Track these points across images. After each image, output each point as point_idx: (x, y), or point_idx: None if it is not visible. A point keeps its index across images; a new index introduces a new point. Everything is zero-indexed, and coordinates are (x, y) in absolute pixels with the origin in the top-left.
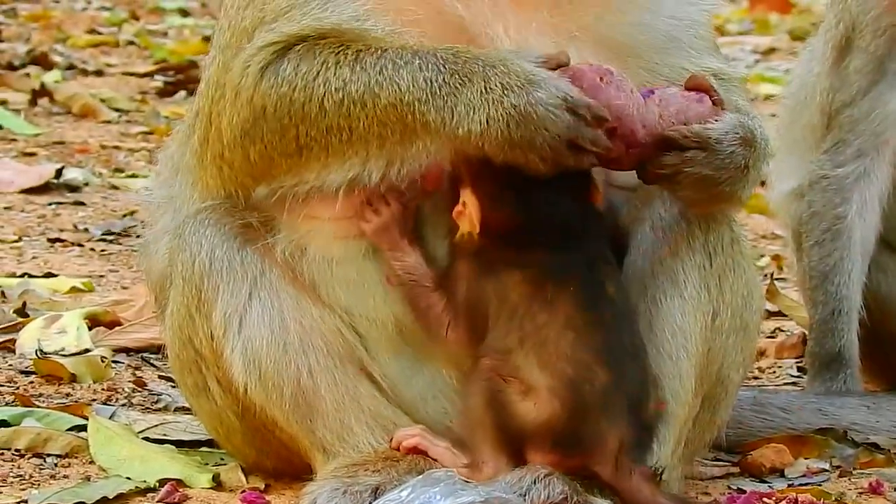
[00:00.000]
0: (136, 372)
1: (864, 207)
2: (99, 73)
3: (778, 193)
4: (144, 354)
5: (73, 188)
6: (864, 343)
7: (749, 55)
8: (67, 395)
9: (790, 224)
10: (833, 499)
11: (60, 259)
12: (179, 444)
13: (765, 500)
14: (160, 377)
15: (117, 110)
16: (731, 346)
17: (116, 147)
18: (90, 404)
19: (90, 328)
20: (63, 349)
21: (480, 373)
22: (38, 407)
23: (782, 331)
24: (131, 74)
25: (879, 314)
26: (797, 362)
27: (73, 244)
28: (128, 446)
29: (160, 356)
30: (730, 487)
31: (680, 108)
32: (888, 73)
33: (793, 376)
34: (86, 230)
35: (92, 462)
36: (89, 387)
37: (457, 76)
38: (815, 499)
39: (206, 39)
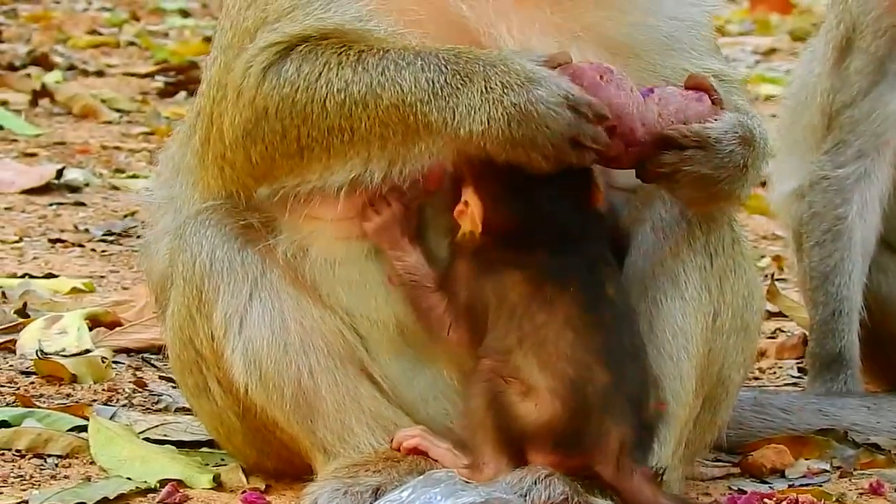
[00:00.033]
0: (137, 372)
1: (864, 208)
2: (100, 74)
3: (778, 194)
4: (145, 355)
5: (74, 189)
6: (864, 344)
7: (750, 56)
8: (68, 395)
9: (791, 225)
10: (833, 499)
11: (61, 259)
12: (180, 444)
13: (765, 500)
14: (161, 378)
15: (118, 111)
16: (731, 347)
17: (117, 148)
18: (91, 405)
19: (91, 329)
20: (64, 350)
21: (481, 374)
22: (39, 407)
23: (783, 331)
24: (132, 75)
25: (880, 315)
26: (798, 363)
27: (73, 245)
28: (128, 447)
29: (161, 357)
30: (730, 488)
31: (679, 106)
32: (889, 74)
33: (793, 377)
34: (86, 231)
35: (92, 462)
36: (90, 387)
37: (458, 76)
38: (815, 499)
39: (207, 40)
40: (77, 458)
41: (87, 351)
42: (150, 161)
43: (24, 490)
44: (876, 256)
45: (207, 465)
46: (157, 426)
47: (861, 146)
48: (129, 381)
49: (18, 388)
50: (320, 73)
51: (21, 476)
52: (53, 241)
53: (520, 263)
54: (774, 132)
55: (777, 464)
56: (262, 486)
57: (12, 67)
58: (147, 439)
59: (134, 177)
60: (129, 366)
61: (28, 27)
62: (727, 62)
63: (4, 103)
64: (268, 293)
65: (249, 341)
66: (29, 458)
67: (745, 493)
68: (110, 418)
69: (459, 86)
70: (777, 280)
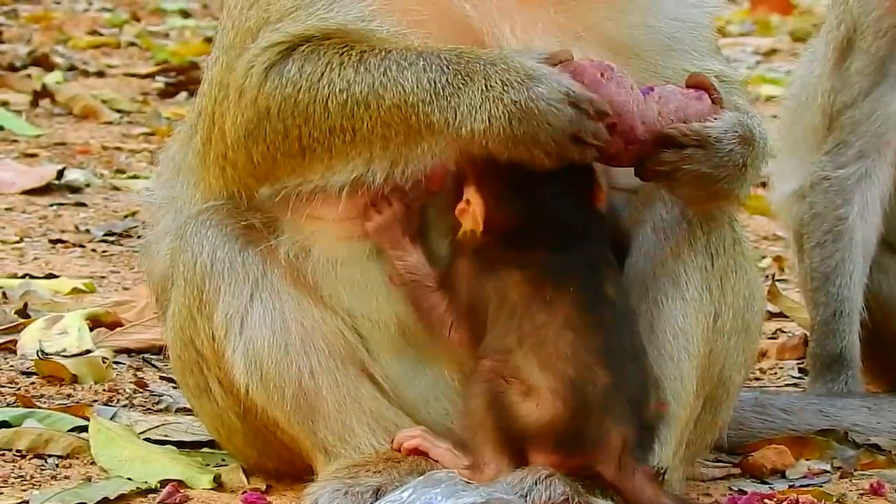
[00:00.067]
0: (138, 373)
1: (865, 209)
2: (100, 75)
3: (779, 195)
4: (146, 355)
5: (75, 189)
6: (865, 344)
7: (750, 56)
8: (69, 395)
9: (791, 225)
10: (834, 500)
11: (62, 260)
12: (181, 444)
13: (766, 501)
14: (161, 378)
15: (118, 111)
16: (732, 348)
17: (118, 148)
18: (91, 405)
19: (91, 329)
20: (64, 350)
21: (481, 374)
22: (40, 408)
23: (784, 332)
24: (132, 75)
25: (881, 315)
26: (798, 363)
27: (74, 245)
28: (129, 447)
29: (161, 357)
30: (731, 488)
31: (679, 105)
32: (889, 75)
33: (794, 377)
34: (87, 231)
35: (93, 463)
36: (90, 388)
37: (459, 76)
38: (816, 500)
39: (208, 41)
40: (78, 458)
41: (88, 351)
42: (150, 162)
43: (24, 490)
44: (877, 257)
45: (208, 465)
46: (157, 426)
47: (862, 147)
48: (130, 382)
49: (19, 389)
50: (322, 74)
51: (21, 476)
52: (54, 242)
53: (521, 263)
54: (775, 133)
55: (778, 464)
56: (263, 487)
57: (13, 68)
58: (148, 440)
59: (135, 177)
60: (130, 366)
61: (29, 28)
62: (728, 63)
63: (5, 104)
64: (269, 294)
65: (250, 342)
66: (29, 459)
67: (745, 493)
68: (111, 419)
69: (461, 85)
70: (778, 281)
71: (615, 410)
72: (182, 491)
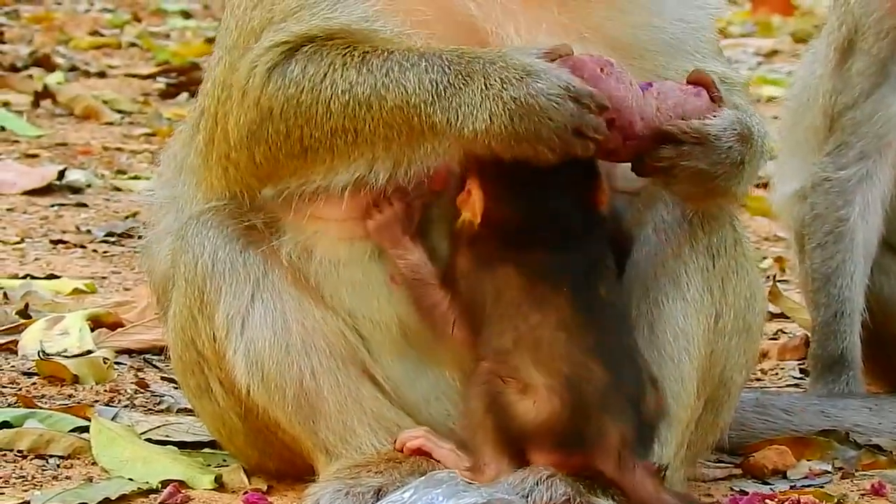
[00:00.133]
0: (139, 373)
1: (866, 210)
2: (101, 75)
3: (780, 195)
4: (147, 356)
5: (76, 190)
6: (866, 345)
7: (751, 57)
8: (70, 396)
9: (793, 226)
10: (835, 500)
11: (63, 260)
12: (182, 445)
13: (767, 501)
14: (162, 378)
15: (120, 112)
16: (733, 348)
17: (119, 149)
18: (92, 405)
19: (92, 329)
20: (65, 350)
21: (479, 375)
22: (41, 408)
23: (785, 333)
24: (133, 76)
25: (882, 316)
26: (800, 364)
27: (75, 246)
28: (130, 448)
29: (162, 357)
30: (732, 489)
31: (678, 101)
32: (891, 76)
33: (795, 378)
34: (88, 232)
35: (94, 463)
36: (92, 388)
37: (460, 76)
38: (817, 500)
39: (209, 41)
40: (79, 458)
41: (89, 352)
42: (151, 162)
43: (25, 491)
44: (878, 258)
45: (209, 465)
46: (158, 427)
47: (863, 148)
48: (131, 382)
49: (20, 389)
50: (325, 75)
51: (23, 477)
52: (55, 242)
53: (519, 262)
54: (776, 134)
55: (779, 465)
56: (264, 487)
57: (14, 68)
58: (149, 440)
59: (135, 178)
60: (131, 367)
61: (30, 28)
62: (730, 65)
63: (6, 104)
64: (270, 294)
65: (251, 342)
66: (31, 459)
67: (746, 494)
68: (112, 419)
69: (461, 85)
70: (779, 281)
71: (613, 408)
72: (183, 491)
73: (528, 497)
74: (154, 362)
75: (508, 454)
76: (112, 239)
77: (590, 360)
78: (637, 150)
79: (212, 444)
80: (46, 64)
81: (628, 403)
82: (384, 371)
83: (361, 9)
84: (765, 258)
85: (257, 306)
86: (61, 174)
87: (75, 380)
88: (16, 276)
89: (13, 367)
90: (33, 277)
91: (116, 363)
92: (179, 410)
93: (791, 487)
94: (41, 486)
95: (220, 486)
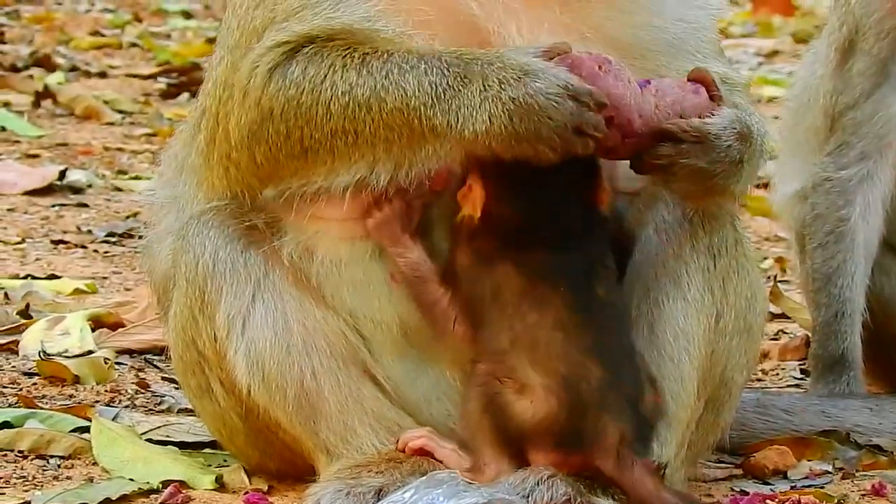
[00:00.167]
0: (140, 373)
1: (867, 210)
2: (102, 75)
3: (781, 196)
4: (147, 356)
5: (77, 190)
6: (867, 345)
7: (752, 58)
8: (71, 396)
9: (793, 226)
10: (836, 501)
11: (64, 261)
12: (182, 445)
13: (768, 502)
14: (163, 379)
15: (120, 112)
16: (734, 349)
17: (120, 149)
18: (93, 406)
19: (93, 330)
20: (66, 351)
21: (477, 377)
22: (42, 408)
23: (785, 333)
24: (134, 76)
25: (882, 317)
26: (800, 364)
27: (76, 246)
28: (131, 448)
29: (163, 358)
30: (733, 489)
31: (676, 98)
32: (891, 76)
33: (796, 378)
34: (89, 232)
35: (95, 463)
36: (92, 388)
37: (458, 78)
38: (817, 501)
39: (210, 41)
40: (79, 459)
41: (90, 352)
42: (152, 162)
43: (26, 491)
44: (878, 258)
45: (210, 466)
46: (159, 427)
47: (864, 148)
48: (132, 382)
49: (21, 389)
50: (325, 76)
51: (23, 477)
52: (56, 243)
53: (518, 261)
54: (777, 134)
55: (779, 465)
56: (265, 487)
57: (15, 69)
58: (149, 440)
59: (136, 178)
60: (132, 367)
61: (30, 28)
62: (731, 65)
63: (7, 104)
64: (270, 294)
65: (252, 342)
66: (31, 459)
67: (747, 494)
68: (113, 419)
69: (460, 87)
70: (780, 282)
71: (611, 407)
72: (184, 491)
73: (528, 497)
74: (155, 362)
75: (508, 454)
76: (113, 239)
77: (587, 360)
78: (636, 148)
79: (212, 445)
80: (47, 64)
81: (626, 402)
82: (385, 371)
83: (363, 8)
84: (766, 258)
85: (258, 306)
86: (62, 174)
87: (76, 380)
88: (17, 277)
89: (14, 367)
90: (34, 277)
91: (117, 363)
92: (180, 411)
93: (792, 488)
94: (42, 486)
95: (220, 486)
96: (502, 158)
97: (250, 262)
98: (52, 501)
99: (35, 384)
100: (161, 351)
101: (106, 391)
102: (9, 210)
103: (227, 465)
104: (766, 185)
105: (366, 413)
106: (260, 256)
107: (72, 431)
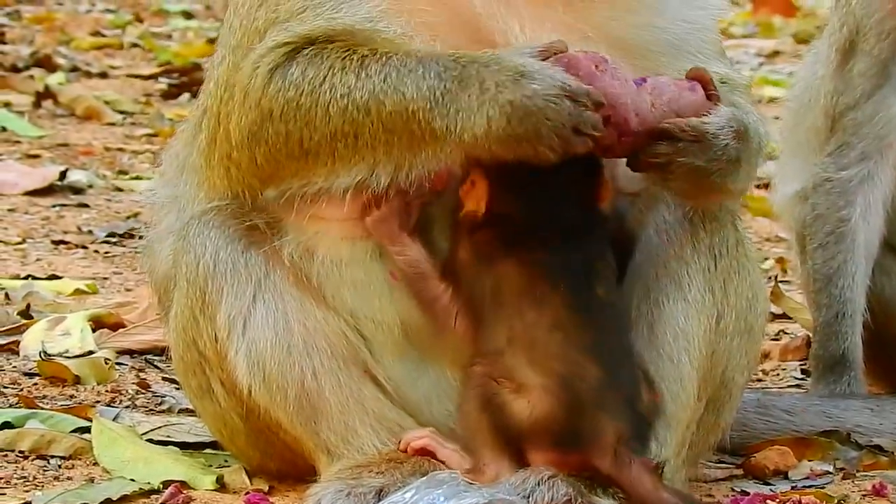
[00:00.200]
0: (140, 374)
1: (867, 210)
2: (103, 76)
3: (782, 196)
4: (148, 356)
5: (77, 190)
6: (867, 346)
7: (753, 58)
8: (71, 396)
9: (794, 227)
10: (836, 501)
11: (64, 261)
12: (183, 445)
13: (768, 502)
14: (164, 379)
15: (121, 112)
16: (735, 349)
17: (120, 149)
18: (94, 406)
19: (94, 330)
20: (67, 351)
21: (474, 379)
22: (42, 409)
23: (786, 333)
24: (135, 77)
25: (883, 317)
26: (801, 365)
27: (77, 246)
28: (131, 448)
29: (164, 358)
30: (733, 490)
31: (672, 96)
32: (892, 77)
33: (797, 379)
34: (90, 232)
35: (96, 464)
36: (93, 388)
37: (456, 81)
38: (818, 501)
39: (211, 42)
40: (80, 459)
41: (91, 352)
42: (153, 163)
43: (27, 491)
44: (879, 259)
45: (211, 466)
46: (160, 427)
47: (864, 148)
48: (133, 383)
49: (22, 390)
50: (324, 78)
51: (24, 477)
52: (57, 243)
53: (518, 259)
54: (777, 134)
55: (780, 465)
56: (266, 488)
57: (15, 69)
58: (150, 440)
59: (137, 178)
60: (133, 367)
61: (31, 29)
62: (732, 66)
63: (8, 105)
64: (271, 294)
65: (253, 343)
66: (32, 460)
67: (748, 494)
68: (113, 419)
69: (458, 91)
70: (780, 282)
71: (609, 406)
72: (185, 492)
73: (529, 497)
74: (155, 363)
75: (508, 455)
76: (113, 239)
77: (585, 360)
78: (632, 147)
79: (213, 445)
80: (48, 64)
81: (624, 401)
82: (386, 371)
83: (365, 9)
84: (766, 259)
85: (259, 307)
86: (63, 175)
87: (77, 380)
88: (17, 277)
89: (15, 367)
90: (35, 278)
91: (118, 364)
92: (181, 411)
93: (792, 488)
94: (42, 486)
95: (221, 486)
96: (502, 159)
97: (251, 263)
98: (53, 502)
99: (36, 384)
100: (162, 351)
101: (107, 391)
102: (9, 210)
103: (228, 466)
104: (766, 186)
105: (367, 413)
106: (261, 257)
107: (72, 432)
